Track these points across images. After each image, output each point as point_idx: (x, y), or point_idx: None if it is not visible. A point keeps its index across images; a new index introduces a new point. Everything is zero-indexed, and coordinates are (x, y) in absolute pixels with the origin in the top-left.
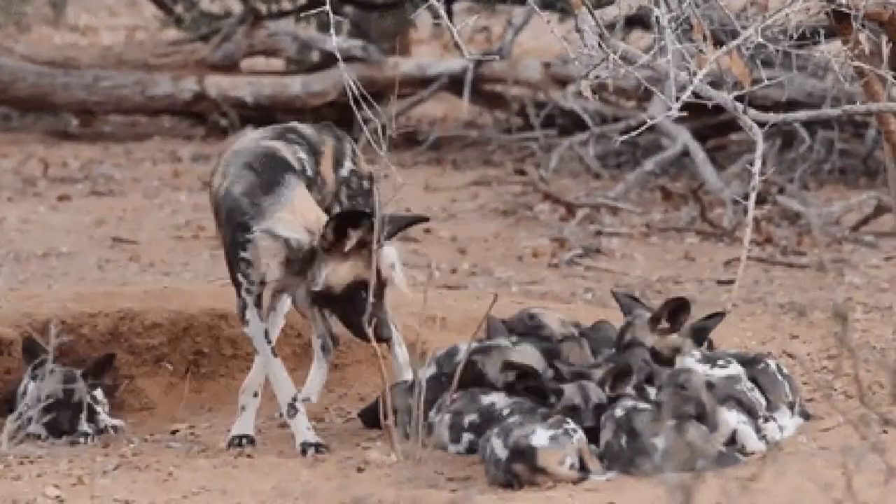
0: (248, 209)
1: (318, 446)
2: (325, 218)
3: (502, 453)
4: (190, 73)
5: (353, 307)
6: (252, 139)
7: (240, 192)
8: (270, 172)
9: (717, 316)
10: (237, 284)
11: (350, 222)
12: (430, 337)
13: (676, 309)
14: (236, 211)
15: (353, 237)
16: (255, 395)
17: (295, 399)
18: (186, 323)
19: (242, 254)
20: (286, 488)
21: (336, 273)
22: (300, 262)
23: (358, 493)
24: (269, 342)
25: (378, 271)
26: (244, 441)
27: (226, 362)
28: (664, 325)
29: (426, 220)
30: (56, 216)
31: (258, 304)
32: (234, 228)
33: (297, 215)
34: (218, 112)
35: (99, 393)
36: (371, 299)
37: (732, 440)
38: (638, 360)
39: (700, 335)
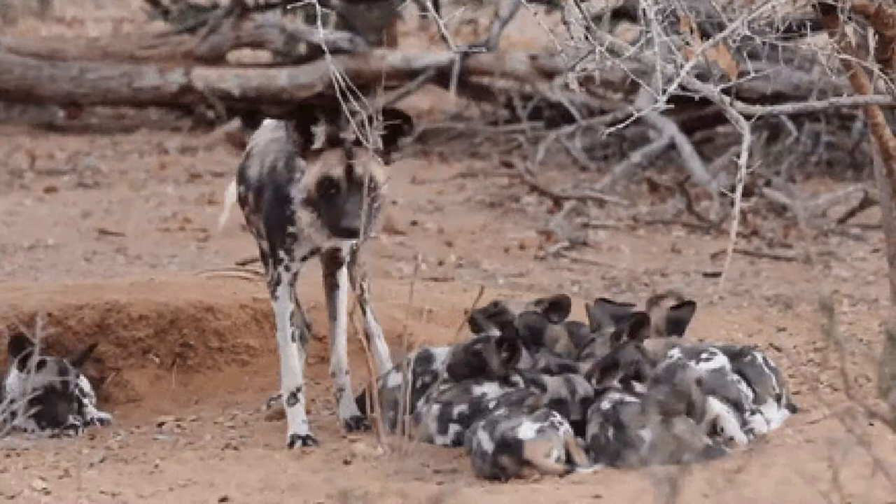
0: (287, 181)
1: (306, 439)
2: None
3: (489, 446)
4: (177, 65)
5: (326, 206)
6: (276, 128)
7: (283, 166)
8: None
9: (689, 305)
10: (277, 260)
11: (310, 118)
12: (417, 329)
13: (635, 325)
14: (283, 184)
15: (320, 134)
16: (347, 372)
17: (298, 389)
18: (173, 315)
19: (290, 228)
20: (273, 480)
21: (309, 173)
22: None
23: (344, 485)
24: (293, 325)
25: (349, 168)
26: (357, 422)
27: (212, 355)
28: (625, 339)
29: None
30: (42, 208)
31: (292, 282)
32: (280, 202)
33: None
34: (205, 104)
35: (85, 385)
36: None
37: (714, 429)
38: (628, 355)
39: (678, 326)
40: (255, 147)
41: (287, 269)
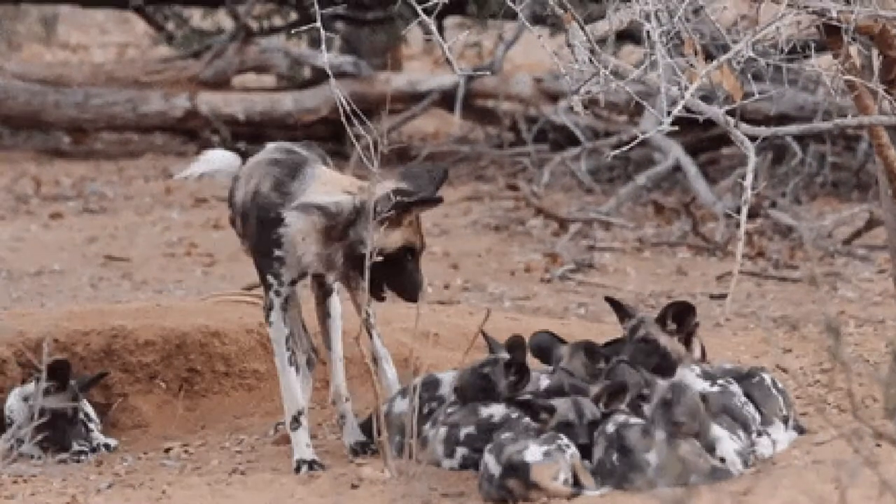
0: (277, 199)
1: (312, 464)
2: (358, 181)
3: (495, 469)
4: (181, 89)
5: (401, 269)
6: (265, 151)
7: (268, 188)
8: (292, 164)
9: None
10: (267, 286)
11: (414, 202)
12: (423, 353)
13: (681, 312)
14: (268, 207)
15: (414, 212)
16: (347, 399)
17: (300, 413)
18: (179, 340)
19: (276, 252)
20: None
21: (389, 237)
22: (341, 226)
23: None
24: (289, 349)
25: (421, 235)
26: (363, 447)
27: (219, 380)
28: (671, 326)
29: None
30: (48, 234)
31: (285, 307)
32: (265, 226)
33: (328, 185)
34: (210, 129)
35: (90, 410)
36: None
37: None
38: (634, 378)
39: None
40: (242, 170)
41: (277, 293)
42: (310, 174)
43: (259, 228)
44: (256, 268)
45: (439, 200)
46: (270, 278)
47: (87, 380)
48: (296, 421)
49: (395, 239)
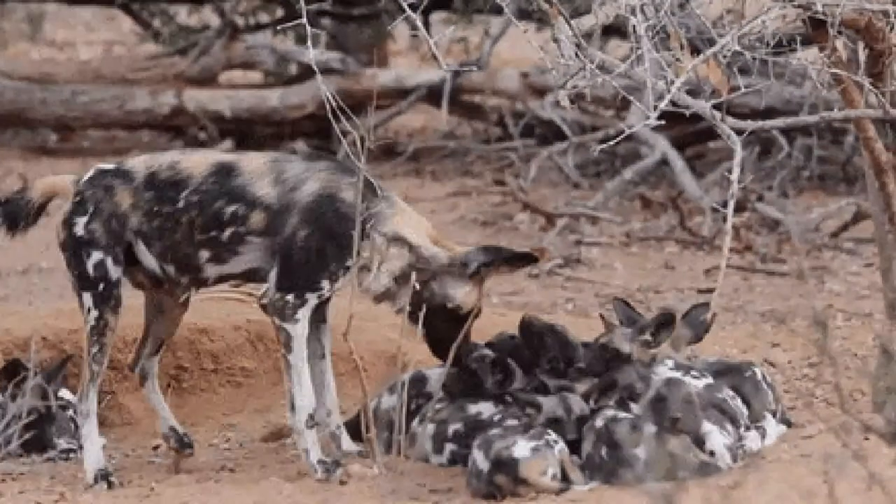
0: (362, 213)
1: (335, 463)
2: (432, 229)
3: (484, 465)
4: (168, 87)
5: (457, 329)
6: (305, 156)
7: (353, 198)
8: (367, 181)
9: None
10: (314, 286)
11: (510, 258)
12: (411, 349)
13: (663, 323)
14: (350, 216)
15: (502, 271)
16: (330, 413)
17: (315, 411)
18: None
19: (349, 261)
20: (269, 502)
21: (470, 295)
22: (427, 274)
23: None
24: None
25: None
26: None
27: (207, 377)
28: (647, 337)
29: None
30: (36, 232)
31: (313, 308)
32: (340, 233)
33: (414, 222)
34: (196, 126)
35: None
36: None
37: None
38: (625, 375)
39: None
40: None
41: (320, 295)
42: (393, 200)
43: (327, 233)
44: (306, 267)
45: (533, 258)
46: (325, 282)
47: (53, 369)
48: (311, 419)
49: (473, 298)
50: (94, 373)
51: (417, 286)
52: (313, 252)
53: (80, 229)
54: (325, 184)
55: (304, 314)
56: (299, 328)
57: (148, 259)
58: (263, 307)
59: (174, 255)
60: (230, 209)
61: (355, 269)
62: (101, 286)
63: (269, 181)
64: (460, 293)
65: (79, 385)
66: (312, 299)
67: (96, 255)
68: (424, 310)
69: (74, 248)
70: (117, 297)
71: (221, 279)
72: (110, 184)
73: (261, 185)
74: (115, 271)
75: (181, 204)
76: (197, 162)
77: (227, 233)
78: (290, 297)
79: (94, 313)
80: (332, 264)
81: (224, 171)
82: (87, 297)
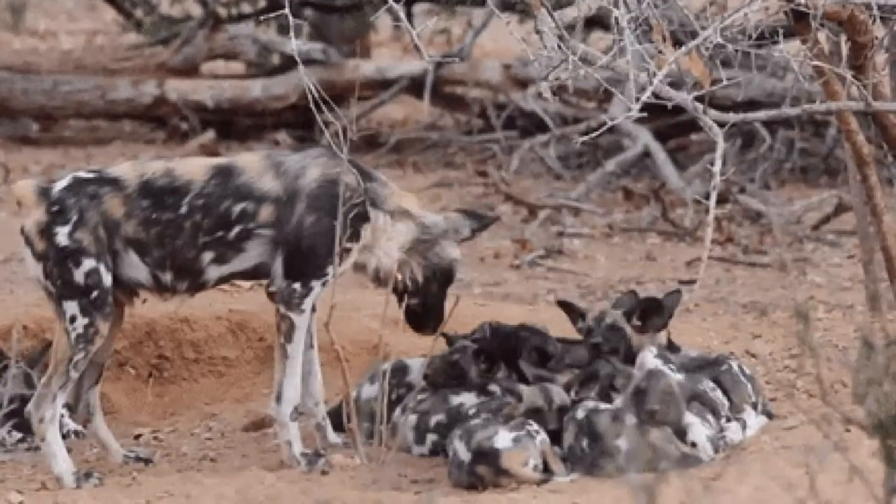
0: (362, 196)
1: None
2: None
3: (465, 455)
4: (150, 77)
5: (442, 299)
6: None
7: (354, 182)
8: (358, 167)
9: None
10: (320, 273)
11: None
12: (392, 339)
13: (649, 310)
14: (353, 199)
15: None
16: (317, 404)
17: (297, 406)
18: (148, 327)
19: (348, 244)
20: (250, 492)
21: (459, 258)
22: (425, 242)
23: (322, 496)
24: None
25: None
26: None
27: (188, 366)
28: (636, 322)
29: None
30: (17, 221)
31: (316, 298)
32: (343, 217)
33: (407, 197)
34: (178, 116)
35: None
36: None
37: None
38: (606, 367)
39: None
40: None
41: (325, 283)
42: (384, 181)
43: (329, 217)
44: (313, 255)
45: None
46: (330, 269)
47: (35, 355)
48: (296, 411)
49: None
50: (69, 379)
51: (426, 255)
52: (321, 237)
53: (63, 239)
54: (325, 169)
55: (308, 304)
56: (303, 319)
57: (134, 270)
58: (271, 295)
59: (174, 261)
60: (238, 207)
61: (337, 260)
62: (95, 294)
63: (271, 175)
64: (456, 255)
65: (46, 386)
66: (317, 287)
67: (88, 263)
68: (431, 275)
69: (57, 258)
70: (111, 304)
71: (222, 280)
72: (95, 192)
73: (264, 180)
74: (108, 278)
75: (184, 209)
76: (194, 167)
77: (235, 231)
78: (296, 286)
79: (83, 321)
80: (326, 248)
81: (224, 173)
82: (72, 306)
